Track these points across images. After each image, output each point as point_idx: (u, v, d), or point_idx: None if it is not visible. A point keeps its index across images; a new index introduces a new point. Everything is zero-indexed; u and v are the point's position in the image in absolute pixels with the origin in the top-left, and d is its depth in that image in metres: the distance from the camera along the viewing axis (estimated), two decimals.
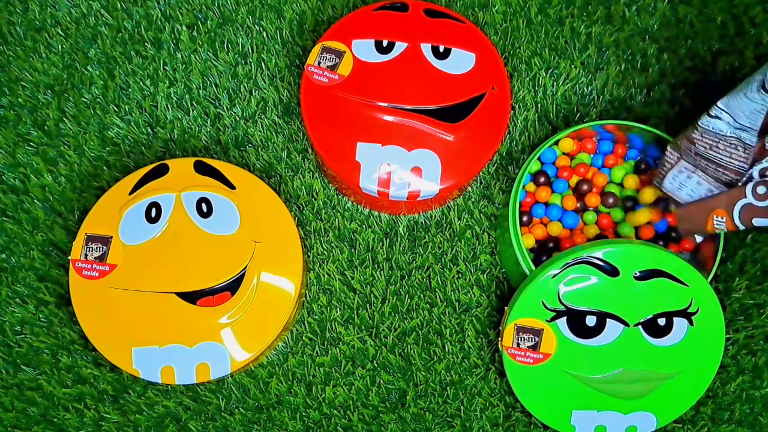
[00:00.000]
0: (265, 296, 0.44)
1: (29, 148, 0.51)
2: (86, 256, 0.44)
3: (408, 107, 0.46)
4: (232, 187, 0.45)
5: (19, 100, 0.51)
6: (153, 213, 0.44)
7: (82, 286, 0.43)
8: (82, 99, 0.52)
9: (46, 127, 0.51)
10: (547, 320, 0.42)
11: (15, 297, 0.48)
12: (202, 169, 0.46)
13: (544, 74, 0.53)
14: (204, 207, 0.45)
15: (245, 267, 0.43)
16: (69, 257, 0.44)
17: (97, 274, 0.44)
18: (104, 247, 0.44)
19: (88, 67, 0.52)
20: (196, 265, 0.44)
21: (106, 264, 0.44)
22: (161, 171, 0.46)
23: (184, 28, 0.53)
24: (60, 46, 0.52)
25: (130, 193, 0.45)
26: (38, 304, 0.48)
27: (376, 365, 0.47)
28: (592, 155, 0.50)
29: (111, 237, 0.44)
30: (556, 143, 0.49)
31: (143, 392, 0.47)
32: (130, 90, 0.52)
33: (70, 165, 0.50)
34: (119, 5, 0.53)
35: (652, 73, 0.53)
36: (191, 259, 0.44)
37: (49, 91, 0.52)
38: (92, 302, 0.43)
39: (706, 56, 0.54)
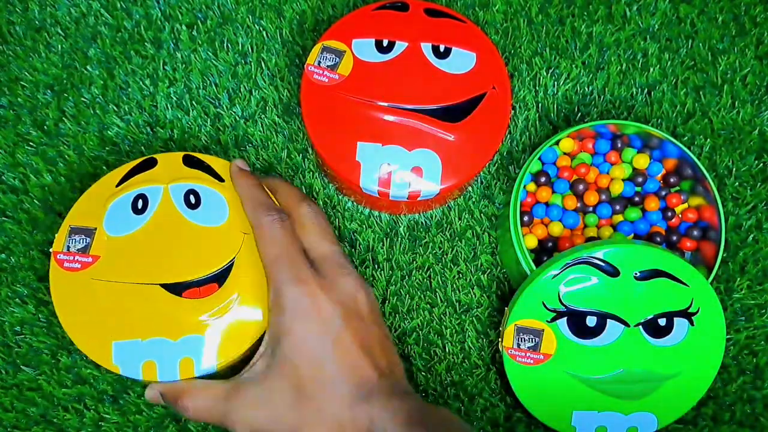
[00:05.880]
0: (254, 289, 0.42)
1: (29, 148, 0.51)
2: (68, 248, 0.42)
3: (408, 107, 0.45)
4: (221, 180, 0.44)
5: (19, 99, 0.51)
6: (139, 204, 0.43)
7: (63, 278, 0.41)
8: (82, 99, 0.51)
9: (45, 127, 0.51)
10: (547, 321, 0.42)
11: (15, 297, 0.48)
12: (191, 162, 0.45)
13: (544, 74, 0.53)
14: (192, 198, 0.43)
15: (233, 258, 0.42)
16: (51, 249, 0.42)
17: (78, 266, 0.42)
18: (87, 238, 0.42)
19: (88, 67, 0.52)
20: (182, 257, 0.42)
21: (88, 255, 0.42)
22: (149, 164, 0.44)
23: (184, 27, 0.53)
24: (59, 46, 0.52)
25: (117, 186, 0.44)
26: (38, 305, 0.48)
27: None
28: (593, 155, 0.50)
29: (95, 229, 0.42)
30: (557, 143, 0.49)
31: (143, 393, 0.47)
32: (129, 90, 0.52)
33: (69, 165, 0.50)
34: (119, 5, 0.53)
35: (653, 72, 0.53)
36: (178, 250, 0.42)
37: (49, 91, 0.52)
38: (72, 295, 0.41)
39: (707, 56, 0.54)
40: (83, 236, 0.42)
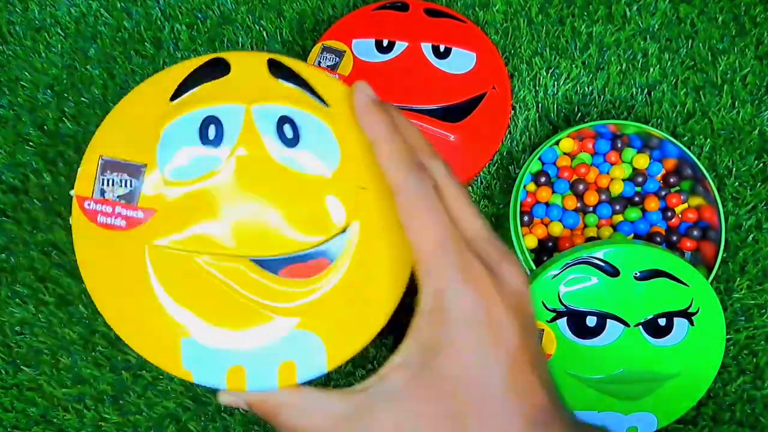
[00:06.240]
0: (376, 264, 0.29)
1: (29, 148, 0.51)
2: (103, 193, 0.27)
3: (408, 107, 0.45)
4: (325, 103, 0.30)
5: (19, 99, 0.51)
6: (211, 133, 0.28)
7: (98, 240, 0.27)
8: (82, 99, 0.51)
9: (45, 127, 0.51)
10: (547, 321, 0.42)
11: (15, 297, 0.48)
12: (279, 71, 0.30)
13: (544, 74, 0.53)
14: (288, 130, 0.29)
15: (348, 223, 0.29)
16: (72, 193, 0.28)
17: (123, 223, 0.27)
18: (133, 180, 0.28)
19: (88, 67, 0.52)
20: (277, 218, 0.29)
21: (136, 208, 0.28)
22: (218, 69, 0.29)
23: (184, 27, 0.53)
24: (59, 46, 0.52)
25: (173, 99, 0.29)
26: (38, 305, 0.48)
27: (376, 365, 0.47)
28: (593, 155, 0.50)
29: (143, 166, 0.28)
30: (557, 143, 0.49)
31: (143, 393, 0.47)
32: (129, 89, 0.52)
33: (69, 165, 0.50)
34: (119, 5, 0.53)
35: (653, 72, 0.53)
36: (270, 208, 0.29)
37: (49, 91, 0.52)
38: (114, 267, 0.27)
39: (707, 56, 0.54)
40: (126, 176, 0.28)
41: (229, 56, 0.30)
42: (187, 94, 0.29)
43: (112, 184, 0.28)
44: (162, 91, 0.29)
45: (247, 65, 0.30)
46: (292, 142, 0.29)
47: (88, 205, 0.27)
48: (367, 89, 0.29)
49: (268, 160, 0.29)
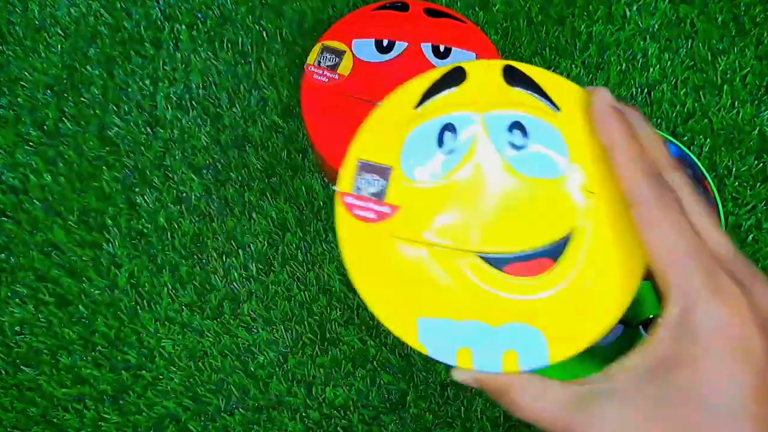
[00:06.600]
0: (602, 270, 0.31)
1: (28, 148, 0.51)
2: (359, 189, 0.32)
3: None
4: (555, 107, 0.32)
5: (19, 99, 0.51)
6: (447, 139, 0.32)
7: (354, 228, 0.32)
8: (82, 99, 0.51)
9: (45, 127, 0.51)
10: None
11: (14, 297, 0.48)
12: (513, 77, 0.33)
13: None
14: (518, 135, 0.32)
15: (574, 226, 0.31)
16: (334, 187, 0.32)
17: (374, 216, 0.32)
18: (382, 181, 0.32)
19: (88, 67, 0.52)
20: (504, 218, 0.31)
21: (385, 204, 0.32)
22: (456, 78, 0.33)
23: (184, 27, 0.53)
24: (59, 46, 0.52)
25: (417, 107, 0.32)
26: (38, 305, 0.48)
27: (376, 365, 0.47)
28: None
29: (390, 168, 0.32)
30: None
31: (143, 393, 0.47)
32: (129, 90, 0.52)
33: (69, 165, 0.50)
34: (119, 5, 0.53)
35: (653, 72, 0.53)
36: (498, 209, 0.31)
37: (49, 91, 0.52)
38: (366, 252, 0.32)
39: (707, 56, 0.54)
40: (377, 177, 0.32)
41: (468, 65, 0.33)
42: (427, 103, 0.32)
43: (366, 183, 0.32)
44: (407, 100, 0.32)
45: (483, 73, 0.33)
46: (522, 146, 0.31)
47: (348, 199, 0.32)
48: (607, 96, 0.29)
49: (498, 165, 0.31)
